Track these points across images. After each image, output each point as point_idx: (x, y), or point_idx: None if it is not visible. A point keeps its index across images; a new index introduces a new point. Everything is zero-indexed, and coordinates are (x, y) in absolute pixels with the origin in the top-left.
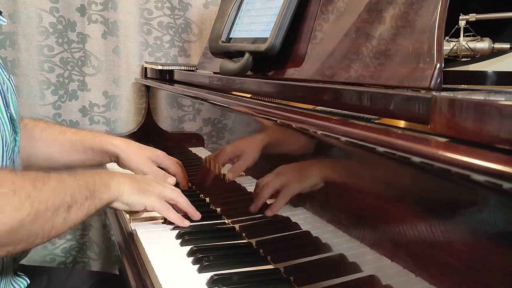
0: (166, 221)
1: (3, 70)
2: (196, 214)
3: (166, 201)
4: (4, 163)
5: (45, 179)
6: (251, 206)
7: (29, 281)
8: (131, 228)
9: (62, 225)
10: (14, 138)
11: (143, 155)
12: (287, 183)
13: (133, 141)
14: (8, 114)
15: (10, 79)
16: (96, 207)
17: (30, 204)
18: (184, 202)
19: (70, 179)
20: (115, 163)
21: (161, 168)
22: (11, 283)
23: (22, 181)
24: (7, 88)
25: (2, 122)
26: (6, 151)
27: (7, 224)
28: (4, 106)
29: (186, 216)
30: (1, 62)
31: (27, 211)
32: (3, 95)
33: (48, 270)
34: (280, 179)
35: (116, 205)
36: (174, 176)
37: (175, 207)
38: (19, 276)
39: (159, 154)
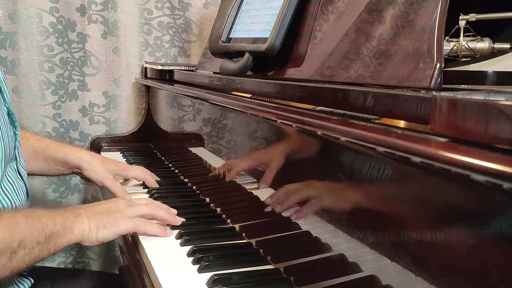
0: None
1: None
2: (175, 220)
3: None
4: (6, 160)
5: None
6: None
7: (33, 281)
8: None
9: (1, 271)
10: (14, 133)
11: (105, 169)
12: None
13: (98, 154)
14: (6, 108)
15: (0, 70)
16: (49, 251)
17: None
18: (159, 213)
19: (24, 222)
20: (78, 175)
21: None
22: (15, 283)
23: None
24: (1, 81)
25: (3, 117)
26: (7, 148)
27: None
28: (2, 100)
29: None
30: None
31: None
32: (3, 88)
33: (52, 271)
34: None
35: (86, 244)
36: (144, 181)
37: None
38: (23, 275)
39: (123, 167)
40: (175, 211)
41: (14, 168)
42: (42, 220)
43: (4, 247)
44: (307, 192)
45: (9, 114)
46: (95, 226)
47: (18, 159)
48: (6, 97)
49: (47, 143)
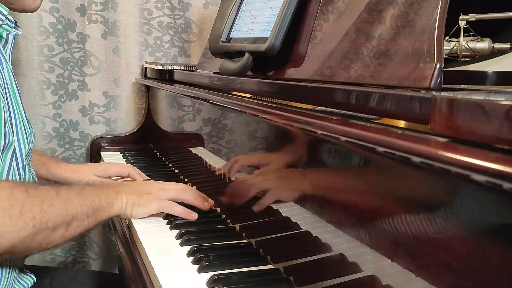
0: (166, 217)
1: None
2: (203, 205)
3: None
4: (25, 163)
5: (53, 200)
6: (254, 205)
7: (35, 279)
8: (131, 228)
9: (59, 240)
10: (30, 138)
11: (88, 174)
12: (286, 182)
13: (77, 164)
14: (25, 114)
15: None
16: (96, 222)
17: (32, 225)
18: (189, 197)
19: (76, 198)
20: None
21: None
22: (18, 280)
23: (31, 204)
24: (17, 88)
25: (23, 123)
26: (27, 152)
27: (9, 242)
28: (23, 106)
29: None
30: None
31: (29, 231)
32: (21, 96)
33: (52, 270)
34: (279, 178)
35: (122, 217)
36: (129, 175)
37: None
38: (25, 273)
39: (104, 167)
40: (211, 201)
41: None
42: (89, 197)
43: (61, 220)
44: (306, 192)
45: (27, 119)
46: (131, 203)
47: (30, 164)
48: (22, 104)
49: (35, 164)
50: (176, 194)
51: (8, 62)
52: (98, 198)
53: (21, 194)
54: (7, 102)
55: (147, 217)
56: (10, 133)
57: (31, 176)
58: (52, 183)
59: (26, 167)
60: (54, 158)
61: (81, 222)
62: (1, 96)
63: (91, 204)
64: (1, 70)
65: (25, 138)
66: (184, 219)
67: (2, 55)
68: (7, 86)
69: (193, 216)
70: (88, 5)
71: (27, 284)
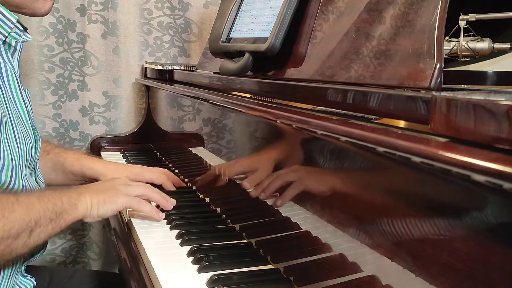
0: (166, 217)
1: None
2: (167, 204)
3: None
4: (27, 172)
5: (14, 206)
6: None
7: (35, 283)
8: (131, 228)
9: (22, 249)
10: (35, 147)
11: (121, 176)
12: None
13: (112, 162)
14: (31, 123)
15: (26, 90)
16: (60, 227)
17: None
18: (154, 195)
19: (38, 203)
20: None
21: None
22: (17, 284)
23: None
24: (29, 98)
25: (28, 132)
26: (29, 161)
27: None
28: (29, 116)
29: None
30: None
31: None
32: (28, 106)
33: (51, 270)
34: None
35: (88, 220)
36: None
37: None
38: (25, 277)
39: (137, 171)
40: (172, 200)
41: (34, 180)
42: (51, 200)
43: (23, 226)
44: (306, 192)
45: (33, 128)
46: (96, 202)
47: (36, 171)
48: (30, 112)
49: (65, 156)
50: (142, 190)
51: (16, 71)
52: (60, 201)
53: None
54: (7, 113)
55: (146, 216)
56: (6, 151)
57: (29, 184)
58: (81, 179)
59: (27, 174)
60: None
61: (44, 227)
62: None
63: (53, 208)
64: (5, 79)
65: (25, 148)
66: (183, 218)
67: (11, 63)
68: (9, 95)
69: (160, 216)
70: (88, 5)
71: None
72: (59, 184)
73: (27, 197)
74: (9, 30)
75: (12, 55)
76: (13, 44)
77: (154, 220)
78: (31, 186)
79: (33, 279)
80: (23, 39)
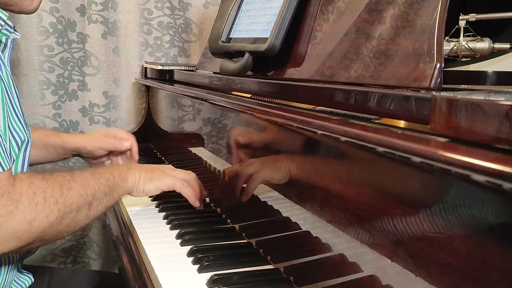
0: (158, 207)
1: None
2: (195, 202)
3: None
4: (22, 160)
5: (70, 184)
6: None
7: (33, 280)
8: (131, 229)
9: (85, 220)
10: (28, 142)
11: (97, 135)
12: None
13: (92, 132)
14: (24, 119)
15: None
16: (114, 199)
17: (57, 209)
18: (194, 184)
19: (92, 179)
20: (82, 159)
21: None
22: (15, 280)
23: (52, 189)
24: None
25: (21, 122)
26: (24, 150)
27: (40, 228)
28: (21, 112)
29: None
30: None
31: (55, 215)
32: (19, 101)
33: (51, 270)
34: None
35: (135, 194)
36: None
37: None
38: (22, 273)
39: (110, 130)
40: (201, 199)
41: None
42: (104, 175)
43: (83, 201)
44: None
45: (25, 124)
46: (143, 178)
47: (25, 161)
48: (21, 109)
49: (41, 131)
50: (186, 176)
51: (7, 67)
52: (111, 175)
53: (41, 182)
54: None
55: (147, 217)
56: (12, 145)
57: None
58: (61, 152)
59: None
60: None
61: (101, 200)
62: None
63: (106, 182)
64: (1, 75)
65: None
66: (183, 218)
67: (2, 60)
68: (6, 90)
69: (197, 204)
70: (88, 5)
71: (25, 284)
72: (41, 161)
73: (81, 174)
74: (0, 27)
75: (2, 51)
76: (3, 40)
77: (155, 217)
78: None
79: (30, 275)
80: (13, 37)
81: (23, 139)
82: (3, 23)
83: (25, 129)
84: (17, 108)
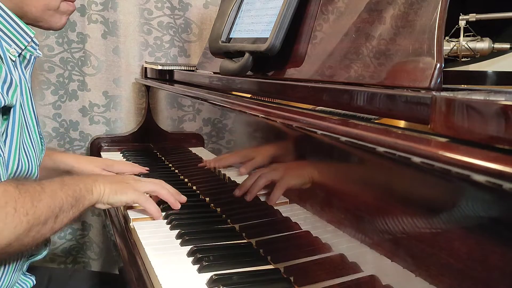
0: (166, 217)
1: None
2: (175, 203)
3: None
4: (37, 170)
5: (41, 196)
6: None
7: (35, 282)
8: (131, 229)
9: (49, 232)
10: (40, 155)
11: (93, 165)
12: (285, 180)
13: (84, 156)
14: (39, 131)
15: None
16: (79, 211)
17: (27, 221)
18: (163, 192)
19: (60, 191)
20: None
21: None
22: (18, 282)
23: (23, 199)
24: (33, 105)
25: (37, 141)
26: (39, 161)
27: (6, 240)
28: (37, 124)
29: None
30: None
31: (24, 227)
32: (35, 115)
33: (52, 271)
34: (278, 177)
35: (98, 206)
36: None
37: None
38: (25, 275)
39: (109, 163)
40: (183, 198)
41: None
42: (71, 187)
43: (50, 213)
44: (306, 191)
45: (40, 138)
46: (108, 191)
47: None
48: (38, 121)
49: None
50: (153, 187)
51: (28, 82)
52: (78, 187)
53: (13, 191)
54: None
55: (147, 217)
56: (24, 161)
57: None
58: (55, 173)
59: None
60: (56, 149)
61: (67, 213)
62: (19, 120)
63: (73, 194)
64: (22, 92)
65: (34, 159)
66: (183, 218)
67: (24, 75)
68: (24, 107)
69: (158, 217)
70: (88, 5)
71: (27, 286)
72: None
73: (50, 185)
74: (26, 44)
75: (25, 67)
76: (27, 57)
77: (155, 220)
78: None
79: (33, 278)
80: (36, 54)
81: (32, 156)
82: (29, 40)
83: (40, 143)
84: (30, 126)
